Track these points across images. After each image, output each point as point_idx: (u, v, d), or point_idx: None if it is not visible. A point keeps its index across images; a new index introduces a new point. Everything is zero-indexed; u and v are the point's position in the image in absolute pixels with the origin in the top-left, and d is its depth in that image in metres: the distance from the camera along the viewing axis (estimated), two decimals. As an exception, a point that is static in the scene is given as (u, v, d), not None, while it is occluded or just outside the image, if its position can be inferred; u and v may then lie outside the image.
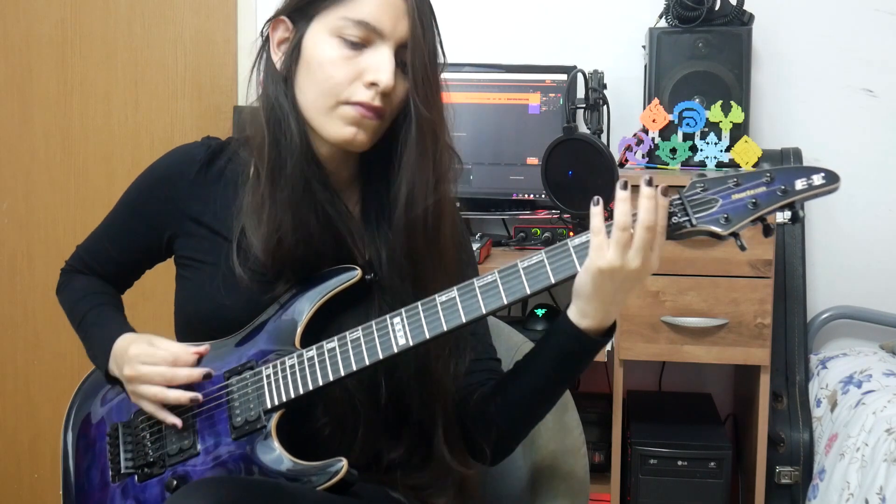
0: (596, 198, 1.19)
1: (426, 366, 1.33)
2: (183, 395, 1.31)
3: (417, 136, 1.31)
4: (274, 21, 1.34)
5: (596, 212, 1.18)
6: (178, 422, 1.32)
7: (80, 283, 1.53)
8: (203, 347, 1.34)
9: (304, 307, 1.32)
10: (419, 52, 1.29)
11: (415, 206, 1.31)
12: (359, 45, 1.28)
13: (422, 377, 1.33)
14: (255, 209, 1.33)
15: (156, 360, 1.32)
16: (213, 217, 1.40)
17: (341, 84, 1.28)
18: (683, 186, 1.20)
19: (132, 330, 1.44)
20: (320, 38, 1.29)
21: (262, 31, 1.37)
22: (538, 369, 1.31)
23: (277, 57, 1.33)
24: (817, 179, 1.15)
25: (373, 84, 1.27)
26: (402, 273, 1.34)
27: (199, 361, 1.34)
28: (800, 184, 1.15)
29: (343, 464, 1.25)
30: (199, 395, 1.32)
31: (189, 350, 1.33)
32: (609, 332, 1.26)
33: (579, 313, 1.23)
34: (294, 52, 1.31)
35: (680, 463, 2.35)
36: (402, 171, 1.32)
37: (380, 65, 1.27)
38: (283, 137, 1.30)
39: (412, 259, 1.33)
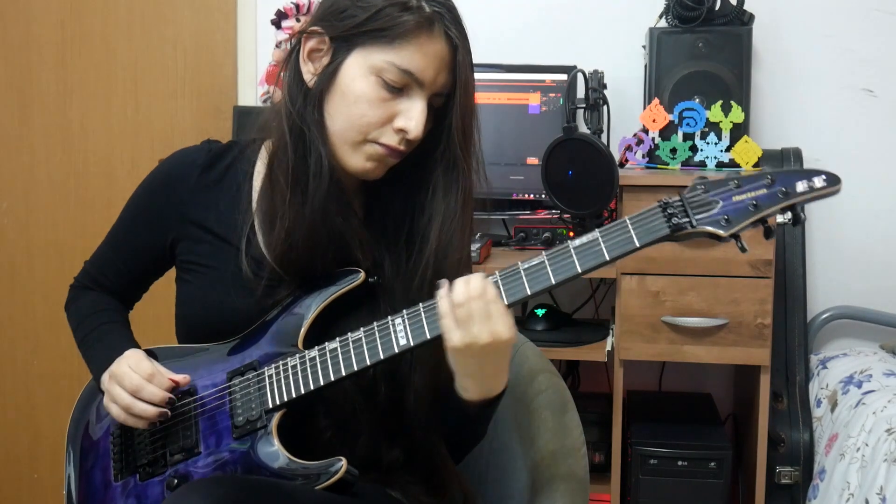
0: (440, 280, 1.22)
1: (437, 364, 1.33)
2: (148, 409, 1.32)
3: (455, 179, 1.34)
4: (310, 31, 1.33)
5: (442, 294, 1.21)
6: (141, 425, 1.34)
7: (87, 300, 1.53)
8: (183, 377, 1.34)
9: (308, 309, 1.33)
10: (467, 101, 1.31)
11: (444, 233, 1.34)
12: (396, 90, 1.28)
13: (432, 374, 1.34)
14: (267, 213, 1.34)
15: (137, 368, 1.33)
16: (216, 221, 1.40)
17: (373, 124, 1.29)
18: (685, 187, 1.20)
19: (138, 347, 1.44)
20: (360, 72, 1.28)
21: (290, 38, 1.36)
22: (449, 418, 1.35)
23: (307, 68, 1.32)
24: (819, 182, 1.15)
25: (402, 130, 1.29)
26: (408, 279, 1.35)
27: (175, 389, 1.34)
28: (801, 186, 1.16)
29: (342, 463, 1.25)
30: (166, 412, 1.33)
31: (168, 375, 1.33)
32: (497, 399, 1.30)
33: (461, 388, 1.27)
34: (330, 75, 1.30)
35: (680, 463, 2.35)
36: (434, 206, 1.35)
37: (412, 115, 1.28)
38: (309, 156, 1.31)
39: (422, 271, 1.35)
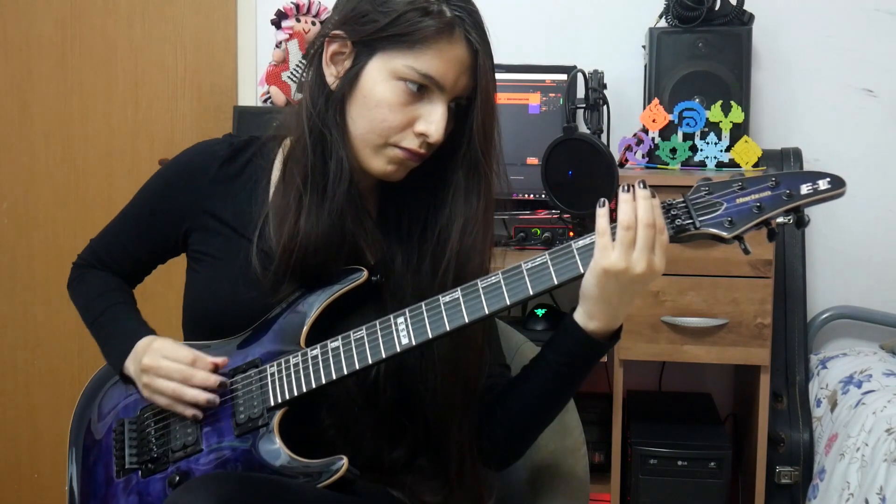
0: (602, 199, 1.19)
1: (457, 367, 1.34)
2: (200, 395, 1.32)
3: (476, 182, 1.34)
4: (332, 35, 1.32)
5: (601, 213, 1.19)
6: (198, 413, 1.33)
7: (94, 280, 1.53)
8: (221, 360, 1.34)
9: (311, 307, 1.33)
10: (487, 105, 1.30)
11: (466, 234, 1.33)
12: (417, 94, 1.28)
13: (451, 378, 1.34)
14: (281, 212, 1.34)
15: (176, 357, 1.33)
16: (232, 214, 1.41)
17: (394, 129, 1.29)
18: (685, 187, 1.20)
19: (154, 331, 1.44)
20: (381, 76, 1.28)
21: (314, 41, 1.35)
22: (545, 374, 1.32)
23: (330, 71, 1.32)
24: (823, 184, 1.16)
25: (422, 134, 1.29)
26: (423, 282, 1.35)
27: (215, 371, 1.34)
28: (805, 188, 1.16)
29: (343, 462, 1.25)
30: (216, 398, 1.33)
31: (208, 359, 1.33)
32: (616, 334, 1.27)
33: (586, 315, 1.25)
34: (352, 79, 1.30)
35: (680, 463, 2.36)
36: (455, 209, 1.34)
37: (433, 119, 1.28)
38: (329, 159, 1.31)
39: (441, 275, 1.34)
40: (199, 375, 1.32)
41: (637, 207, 1.17)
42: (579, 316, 1.25)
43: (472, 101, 1.31)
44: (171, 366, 1.32)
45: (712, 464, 2.34)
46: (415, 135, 1.29)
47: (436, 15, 1.25)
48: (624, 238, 1.17)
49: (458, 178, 1.34)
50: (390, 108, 1.28)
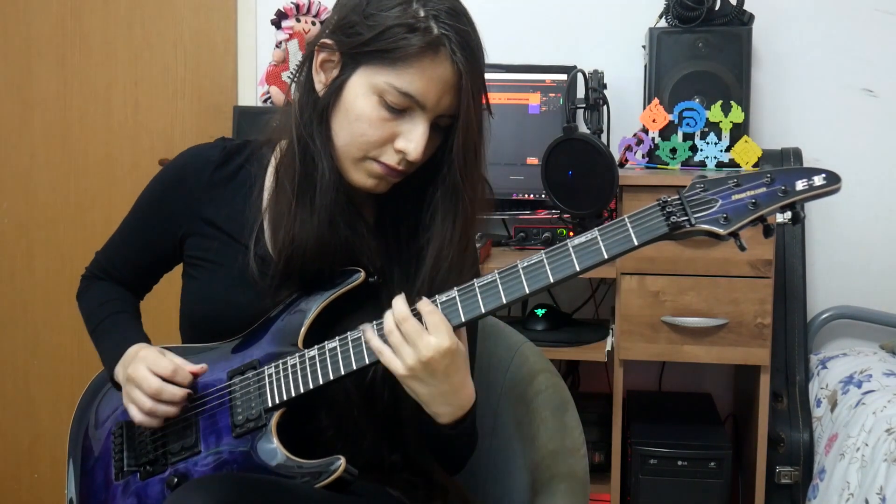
0: (361, 327, 1.25)
1: None
2: (170, 410, 1.32)
3: (453, 205, 1.32)
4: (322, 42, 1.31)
5: (370, 336, 1.24)
6: (157, 423, 1.34)
7: (97, 290, 1.54)
8: (200, 367, 1.34)
9: (308, 309, 1.33)
10: (468, 129, 1.28)
11: (441, 258, 1.33)
12: (397, 111, 1.27)
13: None
14: (276, 219, 1.34)
15: (157, 369, 1.32)
16: (226, 218, 1.41)
17: (373, 143, 1.28)
18: (684, 187, 1.20)
19: (147, 339, 1.44)
20: (362, 91, 1.27)
21: (309, 45, 1.34)
22: (431, 442, 1.35)
23: (319, 78, 1.31)
24: (818, 180, 1.15)
25: (401, 151, 1.28)
26: (414, 285, 1.34)
27: (194, 380, 1.34)
28: (800, 184, 1.15)
29: (341, 462, 1.25)
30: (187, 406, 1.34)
31: (188, 369, 1.33)
32: (472, 409, 1.29)
33: (433, 416, 1.27)
34: (336, 90, 1.29)
35: (680, 463, 2.35)
36: (433, 229, 1.33)
37: (413, 137, 1.27)
38: (315, 169, 1.31)
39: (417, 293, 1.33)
40: (168, 391, 1.31)
41: (393, 309, 1.22)
42: (431, 415, 1.28)
43: (456, 121, 1.29)
44: (146, 376, 1.32)
45: (712, 464, 2.34)
46: (394, 151, 1.28)
47: (421, 32, 1.23)
48: (393, 341, 1.21)
49: (437, 198, 1.33)
50: (370, 123, 1.27)
